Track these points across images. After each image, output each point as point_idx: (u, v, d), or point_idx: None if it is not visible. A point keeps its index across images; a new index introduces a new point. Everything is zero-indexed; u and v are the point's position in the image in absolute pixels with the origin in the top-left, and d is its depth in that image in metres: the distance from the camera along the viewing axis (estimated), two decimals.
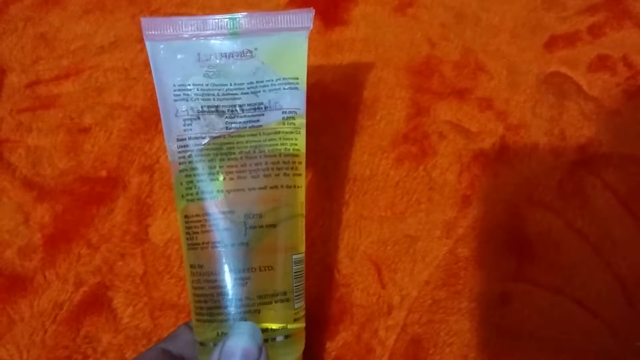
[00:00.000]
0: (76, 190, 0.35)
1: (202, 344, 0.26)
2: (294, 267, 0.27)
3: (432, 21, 0.42)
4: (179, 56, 0.27)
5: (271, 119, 0.27)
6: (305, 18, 0.27)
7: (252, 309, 0.25)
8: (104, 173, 0.36)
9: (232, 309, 0.25)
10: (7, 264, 0.33)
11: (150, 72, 0.39)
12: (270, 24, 0.27)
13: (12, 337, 0.31)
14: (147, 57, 0.39)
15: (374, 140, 0.37)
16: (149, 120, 0.37)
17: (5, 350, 0.31)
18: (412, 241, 0.34)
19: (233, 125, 0.26)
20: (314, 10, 0.27)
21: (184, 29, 0.27)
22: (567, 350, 0.32)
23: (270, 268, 0.26)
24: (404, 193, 0.36)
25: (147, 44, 0.27)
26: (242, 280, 0.25)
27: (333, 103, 0.38)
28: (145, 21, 0.26)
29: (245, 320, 0.25)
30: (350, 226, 0.35)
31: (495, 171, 0.36)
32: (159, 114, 0.37)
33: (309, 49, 0.27)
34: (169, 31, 0.27)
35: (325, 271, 0.34)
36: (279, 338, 0.26)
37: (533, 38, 0.41)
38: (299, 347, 0.27)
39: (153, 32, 0.27)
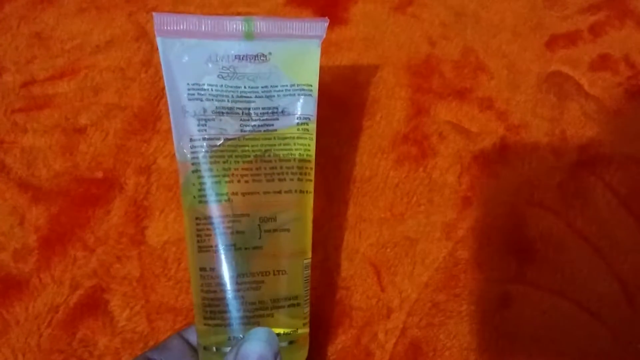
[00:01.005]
0: (72, 191, 0.35)
1: (206, 348, 0.25)
2: (304, 272, 0.27)
3: (432, 20, 0.41)
4: (192, 54, 0.26)
5: (285, 124, 0.27)
6: (320, 27, 0.28)
7: (265, 313, 0.25)
8: (100, 174, 0.35)
9: (244, 313, 0.25)
10: (2, 267, 0.33)
11: (146, 71, 0.39)
12: (285, 30, 0.27)
13: (7, 340, 0.31)
14: (144, 56, 0.39)
15: (373, 141, 0.37)
16: (145, 120, 0.37)
17: (1, 354, 0.31)
18: (411, 243, 0.34)
19: (247, 128, 0.26)
20: (328, 20, 0.28)
21: (197, 27, 0.26)
22: (568, 353, 0.31)
23: (283, 272, 0.26)
24: (404, 194, 0.35)
25: (159, 39, 0.26)
26: (256, 284, 0.25)
27: (332, 103, 0.38)
28: (157, 16, 0.26)
29: (259, 324, 0.25)
30: (350, 228, 0.34)
31: (496, 172, 0.36)
32: (156, 114, 0.37)
33: None
34: (182, 28, 0.26)
35: (325, 274, 0.33)
36: (289, 343, 0.26)
37: (534, 37, 0.41)
38: (305, 351, 0.27)
39: (166, 28, 0.26)
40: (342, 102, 0.38)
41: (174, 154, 0.35)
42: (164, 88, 0.38)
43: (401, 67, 0.39)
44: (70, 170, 0.35)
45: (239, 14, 0.41)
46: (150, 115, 0.37)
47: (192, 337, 0.28)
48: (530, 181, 0.35)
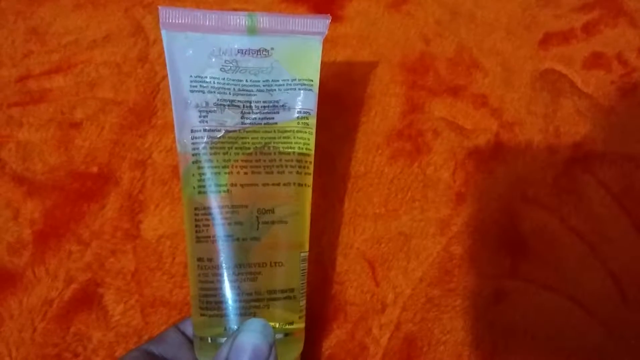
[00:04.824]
0: (67, 186, 0.35)
1: (201, 338, 0.25)
2: (301, 265, 0.27)
3: (426, 18, 0.42)
4: (196, 48, 0.27)
5: (286, 118, 0.27)
6: (322, 24, 0.28)
7: (261, 304, 0.25)
8: (95, 169, 0.35)
9: (241, 303, 0.25)
10: None
11: (142, 66, 0.39)
12: (288, 26, 0.28)
13: (1, 334, 0.31)
14: (140, 51, 0.39)
15: (368, 137, 0.37)
16: (141, 115, 0.37)
17: None
18: (406, 239, 0.34)
19: (248, 120, 0.27)
20: (330, 17, 0.28)
21: (202, 22, 0.27)
22: (561, 348, 0.32)
23: (280, 264, 0.26)
24: (399, 190, 0.35)
25: (164, 32, 0.27)
26: (252, 275, 0.25)
27: (327, 99, 0.38)
28: (163, 10, 0.26)
29: (255, 316, 0.25)
30: (345, 223, 0.35)
31: (490, 168, 0.36)
32: (151, 109, 0.37)
33: None
34: (186, 22, 0.27)
35: (320, 269, 0.33)
36: (284, 335, 0.26)
37: (528, 35, 0.41)
38: (300, 345, 0.27)
39: (171, 21, 0.27)
40: (337, 98, 0.38)
41: (169, 149, 0.36)
42: (159, 83, 0.38)
43: (396, 64, 0.39)
44: (66, 165, 0.35)
45: (234, 10, 0.41)
46: (146, 110, 0.37)
47: (189, 330, 0.28)
48: (523, 178, 0.36)
